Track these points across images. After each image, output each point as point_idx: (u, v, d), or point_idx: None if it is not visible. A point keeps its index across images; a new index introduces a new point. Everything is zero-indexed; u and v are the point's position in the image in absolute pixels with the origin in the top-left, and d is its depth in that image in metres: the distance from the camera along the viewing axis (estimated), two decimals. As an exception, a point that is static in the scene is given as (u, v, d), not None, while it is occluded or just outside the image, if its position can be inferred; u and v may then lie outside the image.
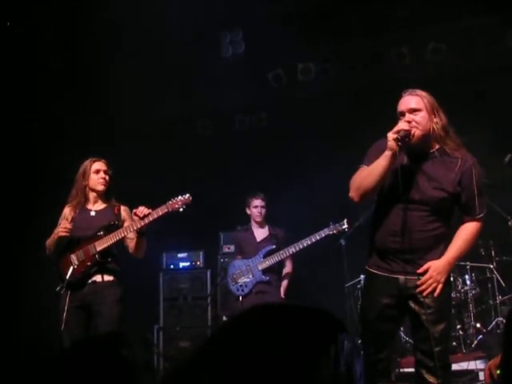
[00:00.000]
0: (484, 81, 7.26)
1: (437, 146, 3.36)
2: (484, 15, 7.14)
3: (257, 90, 8.17)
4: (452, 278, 6.41)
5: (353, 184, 3.48)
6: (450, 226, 3.46)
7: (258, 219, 6.18)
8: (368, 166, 3.44)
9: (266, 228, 6.25)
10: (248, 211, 6.28)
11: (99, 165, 4.72)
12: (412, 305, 3.38)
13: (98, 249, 4.49)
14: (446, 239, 3.43)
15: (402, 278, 3.37)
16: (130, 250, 4.66)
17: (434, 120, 3.28)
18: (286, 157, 7.97)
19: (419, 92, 3.33)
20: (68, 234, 4.50)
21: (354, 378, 1.03)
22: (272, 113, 8.48)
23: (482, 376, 5.55)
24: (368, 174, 3.37)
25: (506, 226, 6.48)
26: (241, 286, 5.94)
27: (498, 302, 6.47)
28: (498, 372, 2.09)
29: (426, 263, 3.36)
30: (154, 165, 8.01)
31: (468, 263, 6.50)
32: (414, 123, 3.24)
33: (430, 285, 3.32)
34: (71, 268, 4.46)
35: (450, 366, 3.47)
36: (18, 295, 7.24)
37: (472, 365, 5.77)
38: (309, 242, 5.88)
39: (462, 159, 3.33)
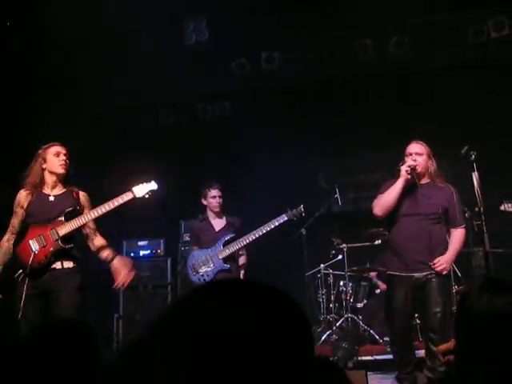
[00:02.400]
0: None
1: (428, 180, 4.81)
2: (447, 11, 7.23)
3: (220, 78, 8.13)
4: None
5: (377, 204, 4.88)
6: (444, 231, 4.79)
7: (217, 209, 6.12)
8: (383, 194, 4.84)
9: (224, 217, 6.22)
10: (204, 202, 6.20)
11: (59, 148, 4.54)
12: (422, 292, 4.68)
13: (61, 234, 4.36)
14: (446, 242, 4.77)
15: (417, 274, 4.68)
16: (87, 239, 4.56)
17: (430, 162, 4.79)
18: (248, 145, 7.97)
19: (422, 142, 4.81)
20: None
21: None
22: (235, 102, 8.46)
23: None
24: (388, 195, 4.79)
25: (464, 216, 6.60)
26: (202, 275, 5.91)
27: (453, 291, 6.61)
28: (447, 358, 2.15)
29: (431, 259, 4.66)
30: (115, 152, 7.92)
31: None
32: (417, 162, 4.71)
33: (441, 265, 4.64)
34: (32, 254, 4.34)
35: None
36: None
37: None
38: (268, 229, 5.86)
39: (446, 188, 4.79)
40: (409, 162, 4.73)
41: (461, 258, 6.87)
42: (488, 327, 1.73)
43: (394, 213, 4.83)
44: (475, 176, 3.94)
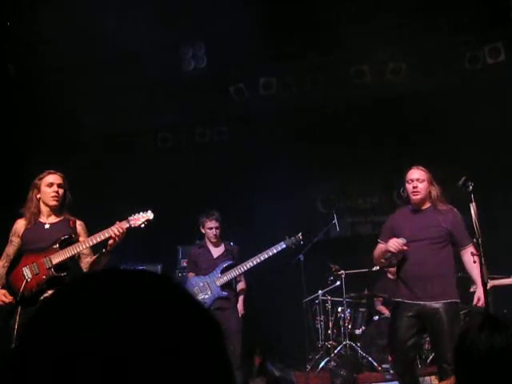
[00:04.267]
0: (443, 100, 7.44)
1: (429, 205, 4.77)
2: (444, 36, 7.31)
3: (218, 103, 8.17)
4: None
5: (374, 259, 5.06)
6: (452, 256, 4.73)
7: (214, 240, 6.11)
8: (381, 242, 4.88)
9: (222, 244, 6.20)
10: (202, 230, 6.21)
11: (53, 178, 4.47)
12: (432, 324, 4.56)
13: (54, 262, 4.31)
14: (453, 267, 4.76)
15: (424, 302, 4.57)
16: (84, 268, 4.50)
17: (431, 188, 4.74)
18: (246, 170, 7.99)
19: (422, 168, 4.79)
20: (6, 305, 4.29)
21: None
22: (233, 126, 8.50)
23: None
24: (377, 257, 4.95)
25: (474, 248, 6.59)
26: (199, 302, 5.87)
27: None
28: None
29: (440, 287, 4.59)
30: (113, 177, 7.92)
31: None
32: (418, 189, 4.71)
33: (480, 300, 4.55)
34: (24, 282, 4.29)
35: None
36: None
37: (427, 380, 5.82)
38: (266, 256, 5.84)
39: (448, 211, 4.74)
40: (394, 247, 4.64)
41: (459, 283, 6.88)
42: (488, 364, 1.74)
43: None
44: (473, 207, 3.92)
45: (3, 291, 4.29)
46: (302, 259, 6.95)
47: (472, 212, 3.94)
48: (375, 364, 6.70)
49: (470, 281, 6.76)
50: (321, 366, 6.73)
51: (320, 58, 7.76)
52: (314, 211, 8.52)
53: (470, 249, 4.62)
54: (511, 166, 7.05)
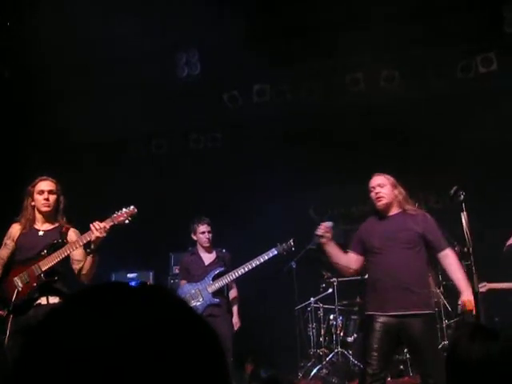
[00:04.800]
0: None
1: (398, 210, 4.58)
2: (437, 45, 7.36)
3: (212, 110, 8.18)
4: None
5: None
6: (425, 263, 4.50)
7: (206, 244, 6.12)
8: (348, 251, 4.71)
9: (213, 251, 6.20)
10: (194, 237, 6.20)
11: (44, 184, 4.49)
12: (407, 335, 4.28)
13: (43, 268, 4.28)
14: (426, 275, 4.55)
15: (397, 313, 4.27)
16: (77, 273, 4.48)
17: (396, 192, 4.58)
18: (238, 177, 7.99)
19: (383, 174, 4.67)
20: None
21: None
22: (227, 133, 8.51)
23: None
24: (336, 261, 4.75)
25: (453, 251, 6.59)
26: (191, 309, 5.86)
27: (444, 325, 6.60)
28: None
29: (414, 297, 4.29)
30: (106, 183, 7.91)
31: (416, 287, 6.61)
32: (381, 194, 4.56)
33: (469, 304, 4.22)
34: (16, 291, 4.27)
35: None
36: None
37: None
38: (257, 263, 5.85)
39: (419, 214, 4.57)
40: (322, 227, 4.60)
41: (450, 292, 6.90)
42: (480, 374, 1.74)
43: (367, 248, 4.59)
44: (464, 216, 3.91)
45: None
46: (294, 266, 6.96)
47: (463, 221, 3.94)
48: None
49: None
50: (312, 373, 6.72)
51: (314, 65, 7.79)
52: (307, 218, 8.52)
53: (449, 253, 4.45)
54: (504, 175, 7.09)
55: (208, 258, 6.12)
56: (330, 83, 7.94)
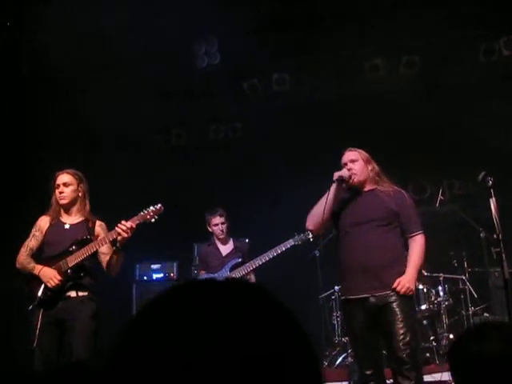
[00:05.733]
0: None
1: (372, 187, 4.31)
2: (458, 29, 7.24)
3: (232, 99, 8.16)
4: (425, 290, 6.50)
5: (308, 217, 4.41)
6: (399, 243, 4.19)
7: (221, 236, 6.13)
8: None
9: (231, 242, 6.21)
10: (209, 229, 6.23)
11: (59, 178, 4.57)
12: (383, 318, 4.02)
13: (70, 264, 4.37)
14: (403, 254, 4.17)
15: (373, 294, 4.02)
16: (104, 266, 4.53)
17: (369, 167, 4.32)
18: (261, 166, 7.96)
19: (357, 149, 4.41)
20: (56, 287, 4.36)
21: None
22: (247, 122, 8.48)
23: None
24: (319, 205, 4.29)
25: (479, 237, 6.55)
26: (209, 300, 5.89)
27: (470, 312, 6.54)
28: None
29: (390, 276, 4.03)
30: (128, 175, 7.93)
31: (441, 274, 6.57)
32: (353, 170, 4.26)
33: (403, 286, 3.98)
34: (43, 285, 4.33)
35: (421, 369, 4.02)
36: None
37: (445, 376, 5.78)
38: (274, 254, 5.85)
39: (394, 191, 4.29)
40: (343, 170, 4.25)
41: (477, 279, 6.84)
42: (486, 372, 1.70)
43: (339, 226, 4.29)
44: (493, 202, 3.85)
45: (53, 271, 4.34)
46: (317, 255, 6.93)
47: (492, 207, 3.88)
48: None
49: (489, 276, 6.74)
50: (338, 362, 6.70)
51: (334, 53, 7.73)
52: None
53: (418, 238, 4.14)
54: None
55: (225, 248, 6.16)
56: (350, 70, 7.87)
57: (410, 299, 4.10)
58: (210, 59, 7.51)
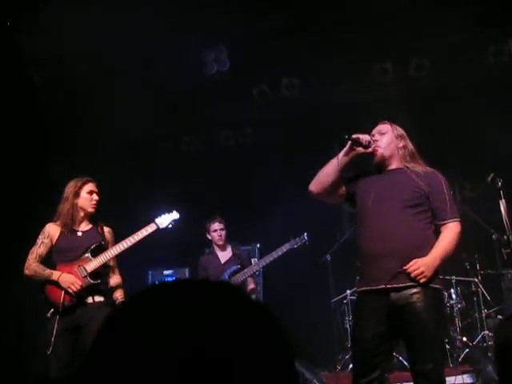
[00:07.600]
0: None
1: (401, 166, 3.72)
2: (467, 30, 7.23)
3: (242, 105, 8.19)
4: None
5: (313, 180, 3.91)
6: (428, 229, 3.57)
7: (220, 242, 6.20)
8: None
9: (229, 249, 6.27)
10: (208, 236, 6.29)
11: (93, 186, 4.62)
12: (403, 320, 3.40)
13: (89, 270, 4.42)
14: (432, 241, 3.53)
15: (390, 289, 3.41)
16: (111, 270, 4.63)
17: (399, 144, 3.74)
18: (271, 171, 7.98)
19: (392, 123, 3.85)
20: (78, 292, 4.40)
21: None
22: (257, 128, 8.51)
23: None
24: (328, 165, 3.81)
25: (491, 239, 6.52)
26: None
27: (483, 315, 6.51)
28: None
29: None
30: (139, 181, 7.98)
31: (453, 277, 6.55)
32: (378, 142, 3.69)
33: (416, 269, 3.37)
34: (62, 293, 4.35)
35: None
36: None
37: (459, 379, 5.77)
38: (271, 259, 5.95)
39: (427, 171, 3.68)
40: (364, 135, 3.71)
41: (489, 281, 6.80)
42: None
43: (359, 206, 3.72)
44: (502, 204, 3.83)
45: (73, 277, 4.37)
46: (328, 259, 6.94)
47: (502, 209, 3.86)
48: (406, 363, 6.63)
49: (502, 278, 6.70)
50: (350, 366, 6.68)
51: (343, 58, 7.73)
52: (341, 210, 8.47)
53: (453, 225, 3.55)
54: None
55: (224, 256, 6.23)
56: (359, 74, 7.87)
57: (437, 295, 3.52)
58: (219, 66, 7.55)
